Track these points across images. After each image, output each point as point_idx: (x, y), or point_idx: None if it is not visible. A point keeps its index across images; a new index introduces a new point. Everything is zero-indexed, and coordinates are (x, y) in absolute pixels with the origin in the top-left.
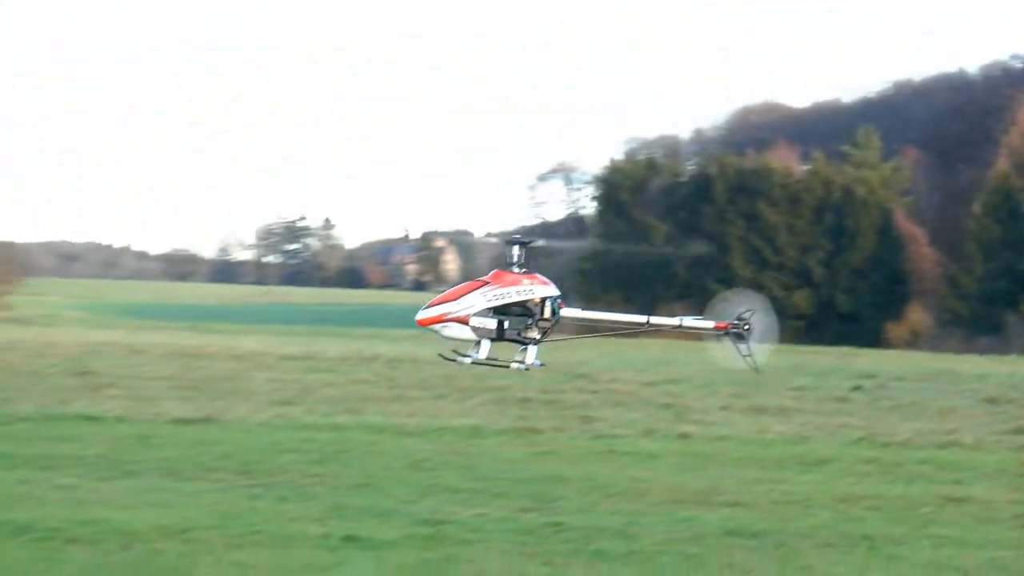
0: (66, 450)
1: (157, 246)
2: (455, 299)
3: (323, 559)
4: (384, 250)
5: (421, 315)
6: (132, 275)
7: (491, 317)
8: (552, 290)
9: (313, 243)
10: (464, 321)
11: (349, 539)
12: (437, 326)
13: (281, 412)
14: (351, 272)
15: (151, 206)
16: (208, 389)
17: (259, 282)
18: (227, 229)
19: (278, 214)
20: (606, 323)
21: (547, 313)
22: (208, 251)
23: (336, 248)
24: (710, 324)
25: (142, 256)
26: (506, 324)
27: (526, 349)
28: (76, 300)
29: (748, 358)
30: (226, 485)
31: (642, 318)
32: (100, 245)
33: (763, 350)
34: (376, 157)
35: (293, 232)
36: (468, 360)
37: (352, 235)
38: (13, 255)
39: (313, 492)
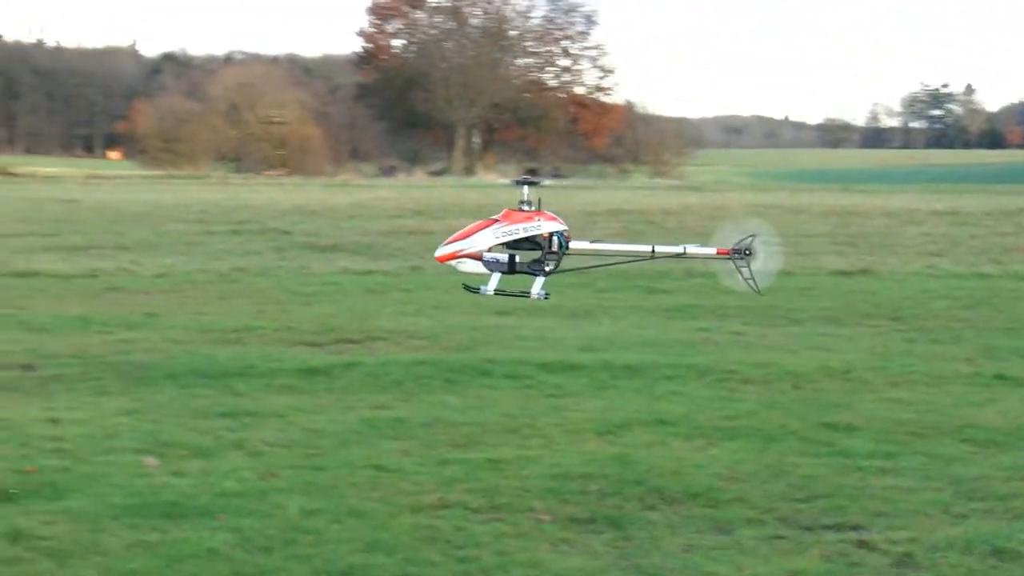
0: (736, 301)
1: (813, 116)
2: (467, 237)
3: (975, 396)
4: (1022, 111)
5: (438, 252)
6: (790, 144)
7: (503, 252)
8: (559, 225)
9: (955, 108)
10: (477, 257)
11: (999, 377)
12: (453, 262)
13: (931, 263)
14: (991, 134)
15: (807, 79)
16: (862, 244)
17: (905, 147)
18: (875, 98)
19: (922, 82)
20: (612, 253)
21: (555, 246)
22: (859, 119)
23: (977, 112)
24: (712, 251)
25: (799, 126)
26: (517, 258)
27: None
28: (741, 168)
29: (750, 281)
30: (882, 330)
31: (647, 248)
32: (762, 117)
33: (766, 274)
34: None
35: (936, 99)
36: (487, 290)
37: (993, 99)
38: (684, 129)
39: (962, 335)
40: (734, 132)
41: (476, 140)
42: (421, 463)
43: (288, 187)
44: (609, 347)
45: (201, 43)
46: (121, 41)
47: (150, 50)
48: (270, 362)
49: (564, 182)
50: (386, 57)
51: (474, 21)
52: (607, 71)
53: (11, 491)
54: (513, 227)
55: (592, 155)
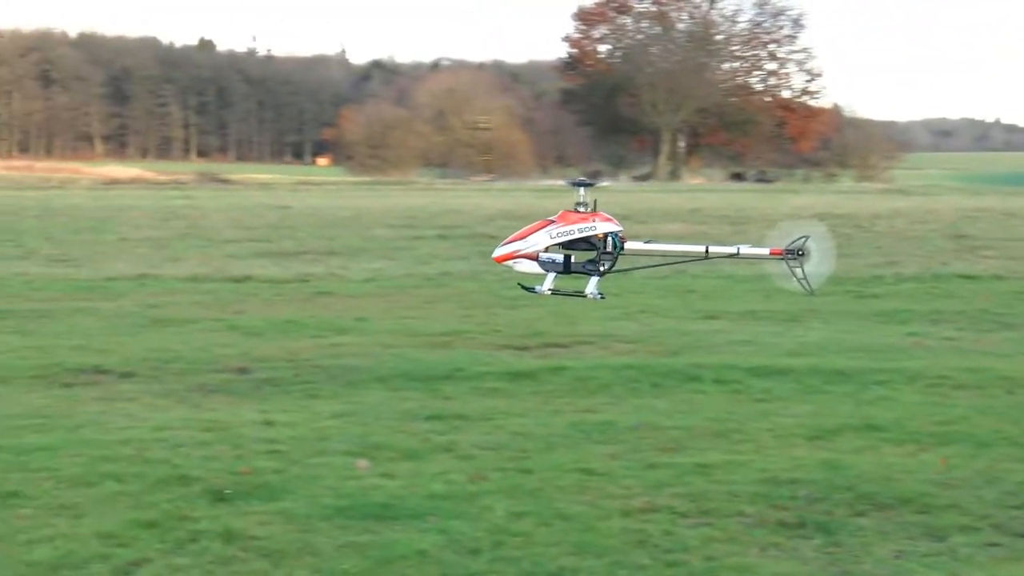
0: (949, 305)
1: None
2: (523, 238)
3: None
4: None
5: (496, 252)
6: (1002, 147)
7: (558, 253)
8: (614, 226)
9: None
10: (533, 257)
11: None
12: (509, 262)
13: None
14: None
15: (1021, 79)
16: None
17: None
18: None
19: None
20: (667, 253)
21: (609, 247)
22: None
23: None
24: (765, 251)
25: (1012, 129)
26: (572, 258)
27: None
28: (950, 172)
29: (803, 281)
30: None
31: (701, 248)
32: (973, 120)
33: (819, 275)
34: None
35: None
36: (541, 290)
37: None
38: (893, 133)
39: None
40: (943, 135)
41: (681, 145)
42: (628, 467)
43: (494, 192)
44: (819, 352)
45: (409, 50)
46: (330, 49)
47: (359, 58)
48: (478, 366)
49: (769, 185)
50: (592, 62)
51: (680, 26)
52: (814, 75)
53: (226, 492)
54: (568, 228)
55: (798, 159)
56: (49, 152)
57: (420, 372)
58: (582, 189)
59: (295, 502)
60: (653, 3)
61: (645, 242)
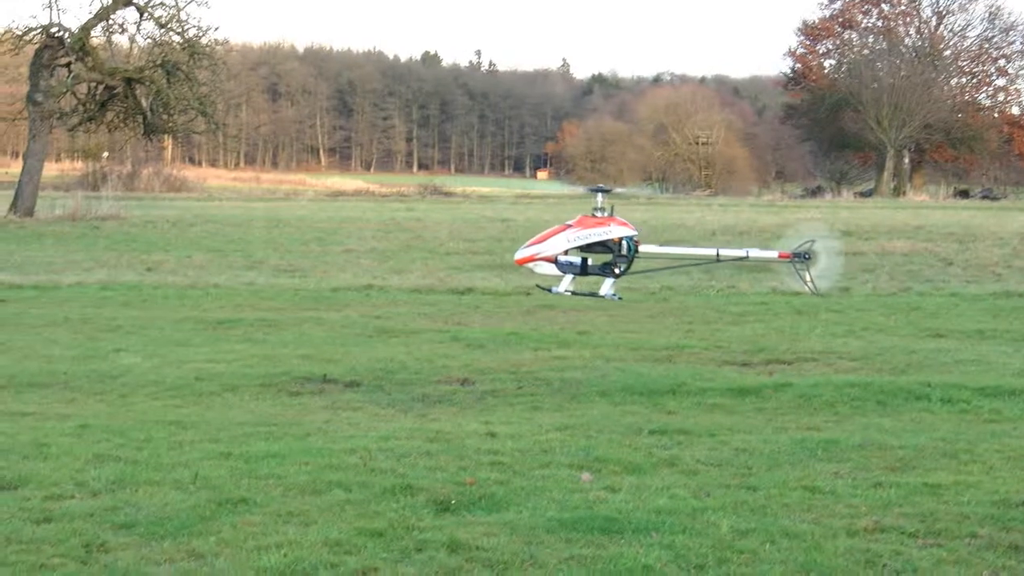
0: None
1: None
2: (543, 241)
3: None
4: None
5: (517, 255)
6: None
7: (576, 256)
8: (629, 230)
9: None
10: (552, 260)
11: None
12: (530, 264)
13: None
14: None
15: None
16: None
17: None
18: None
19: None
20: (680, 256)
21: (624, 250)
22: None
23: None
24: (774, 255)
25: None
26: (589, 261)
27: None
28: None
29: (810, 283)
30: None
31: (712, 251)
32: None
33: (826, 277)
34: None
35: None
36: (558, 291)
37: None
38: None
39: None
40: None
41: (905, 161)
42: (855, 485)
43: (715, 207)
44: None
45: (630, 65)
46: (553, 64)
47: (581, 72)
48: (700, 381)
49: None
50: (815, 78)
51: (907, 41)
52: None
53: (451, 501)
54: (586, 232)
55: None
56: (275, 164)
57: (643, 386)
58: (600, 195)
59: (519, 514)
60: (880, 18)
61: (660, 245)
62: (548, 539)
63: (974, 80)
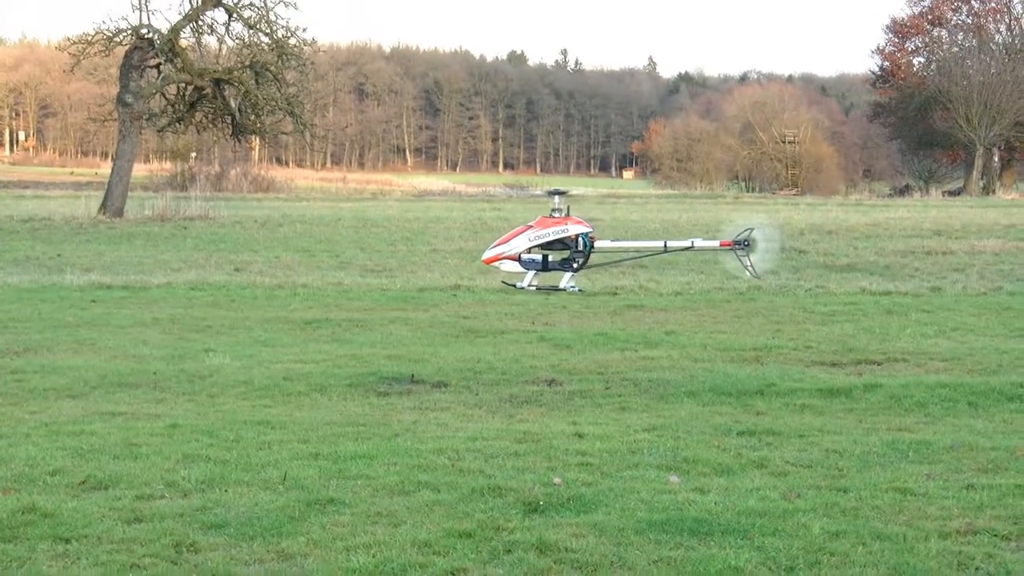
0: None
1: None
2: (507, 242)
3: None
4: None
5: (485, 255)
6: None
7: (537, 253)
8: (585, 228)
9: None
10: (515, 258)
11: None
12: (495, 263)
13: None
14: None
15: None
16: None
17: None
18: None
19: None
20: (632, 249)
21: (580, 246)
22: None
23: None
24: (716, 243)
25: None
26: (550, 257)
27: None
28: None
29: (749, 269)
30: None
31: (660, 244)
32: None
33: (765, 262)
34: None
35: None
36: (522, 286)
37: None
38: None
39: None
40: None
41: (995, 159)
42: (946, 487)
43: (802, 206)
44: None
45: (717, 63)
46: (639, 62)
47: (668, 71)
48: (789, 381)
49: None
50: (904, 76)
51: (998, 38)
52: None
53: (540, 502)
54: (544, 231)
55: None
56: (361, 164)
57: (731, 387)
58: (557, 197)
59: (608, 515)
60: (970, 15)
61: (612, 240)
62: (637, 540)
63: None
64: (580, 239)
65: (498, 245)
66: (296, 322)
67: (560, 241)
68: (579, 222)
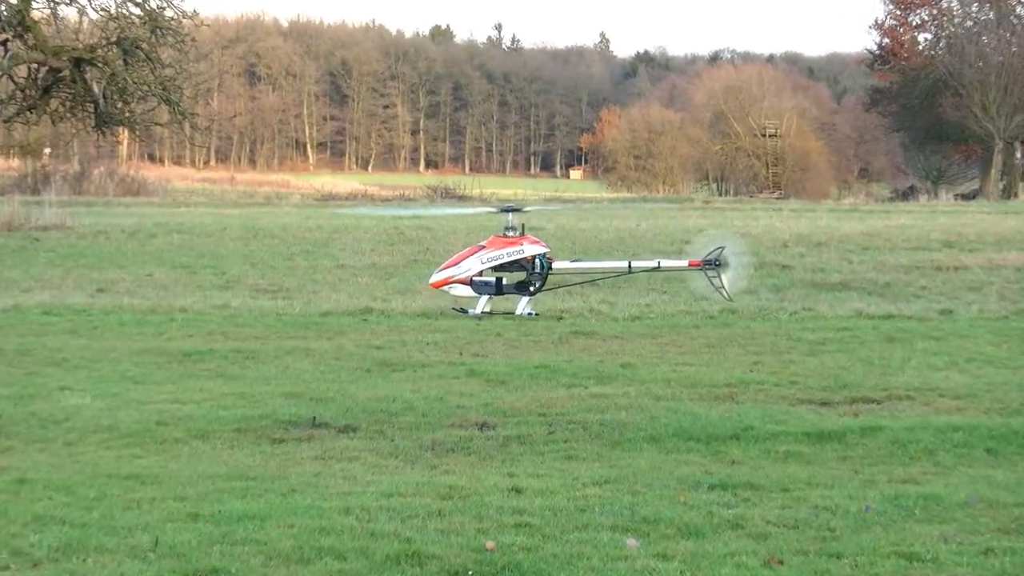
0: None
1: None
2: (456, 264)
3: None
4: None
5: (432, 279)
6: None
7: (490, 276)
8: (542, 248)
9: None
10: (467, 282)
11: None
12: (445, 287)
13: None
14: None
15: None
16: None
17: None
18: None
19: None
20: (593, 271)
21: (538, 268)
22: None
23: None
24: (684, 263)
25: None
26: (504, 280)
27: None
28: None
29: (721, 290)
30: None
31: (624, 264)
32: None
33: (736, 282)
34: None
35: None
36: (474, 312)
37: None
38: None
39: None
40: None
41: (1017, 156)
42: (960, 552)
43: (786, 212)
44: None
45: (683, 41)
46: (589, 40)
47: (623, 50)
48: (771, 423)
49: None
50: (907, 55)
51: (1020, 10)
52: None
53: (468, 572)
54: (497, 252)
55: None
56: (253, 161)
57: (700, 431)
58: (510, 215)
59: None
60: None
61: (571, 261)
62: None
63: None
64: (537, 260)
65: (446, 268)
66: (172, 354)
67: (516, 263)
68: (536, 241)
